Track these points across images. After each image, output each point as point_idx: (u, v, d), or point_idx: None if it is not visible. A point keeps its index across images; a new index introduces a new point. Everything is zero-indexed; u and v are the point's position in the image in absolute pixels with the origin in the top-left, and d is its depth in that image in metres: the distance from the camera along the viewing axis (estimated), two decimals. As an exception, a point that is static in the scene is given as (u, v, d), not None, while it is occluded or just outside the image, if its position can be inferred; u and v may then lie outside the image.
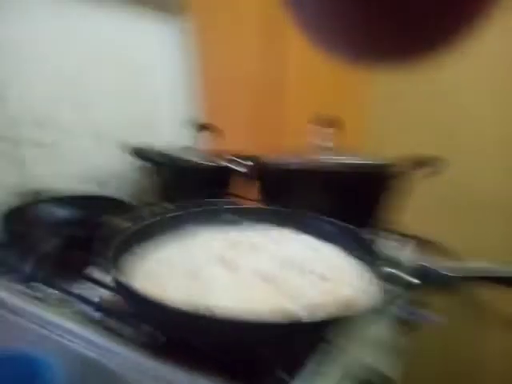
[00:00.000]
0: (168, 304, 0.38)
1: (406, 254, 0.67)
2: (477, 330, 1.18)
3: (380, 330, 0.63)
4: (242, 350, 0.42)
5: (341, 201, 0.71)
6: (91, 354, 0.48)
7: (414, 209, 0.85)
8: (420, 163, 0.75)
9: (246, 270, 0.50)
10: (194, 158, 0.86)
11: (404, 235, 0.76)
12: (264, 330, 0.38)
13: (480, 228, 1.12)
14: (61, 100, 0.85)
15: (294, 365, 0.41)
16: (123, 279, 0.43)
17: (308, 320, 0.36)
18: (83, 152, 0.89)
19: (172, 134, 1.05)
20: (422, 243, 0.69)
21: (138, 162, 0.89)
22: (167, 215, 0.62)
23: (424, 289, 0.48)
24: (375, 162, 0.72)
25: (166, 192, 0.91)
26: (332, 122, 0.78)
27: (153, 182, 0.93)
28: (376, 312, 0.42)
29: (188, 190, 0.86)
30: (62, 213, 0.73)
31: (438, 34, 0.17)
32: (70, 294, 0.55)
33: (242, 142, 0.86)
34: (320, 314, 0.37)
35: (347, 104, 1.08)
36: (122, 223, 0.55)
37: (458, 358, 1.24)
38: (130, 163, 0.91)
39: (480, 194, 1.13)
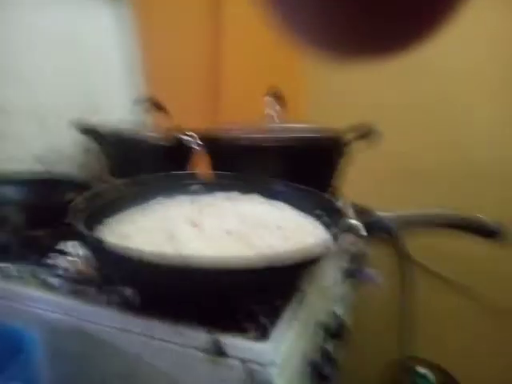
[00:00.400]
0: (142, 255, 0.40)
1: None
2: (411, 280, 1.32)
3: (335, 283, 0.72)
4: (217, 297, 0.46)
5: (288, 171, 0.77)
6: (66, 320, 0.50)
7: (354, 178, 0.93)
8: (358, 133, 0.82)
9: (213, 228, 0.54)
10: (143, 135, 0.87)
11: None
12: (235, 275, 0.41)
13: (416, 197, 1.20)
14: (5, 80, 0.82)
15: (273, 312, 0.47)
16: (95, 235, 0.45)
17: (278, 263, 0.41)
18: (29, 132, 0.86)
19: (121, 112, 1.05)
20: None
21: (86, 141, 0.88)
22: (131, 187, 0.63)
23: (371, 239, 0.55)
24: (317, 133, 0.79)
25: (115, 170, 0.91)
26: (276, 95, 0.84)
27: (102, 160, 0.93)
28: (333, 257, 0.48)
29: (138, 167, 0.87)
30: (14, 194, 0.72)
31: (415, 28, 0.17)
32: (39, 265, 0.56)
33: (189, 119, 0.88)
34: (286, 259, 0.42)
35: (288, 77, 1.13)
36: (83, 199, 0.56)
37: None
38: (78, 142, 0.89)
39: (415, 163, 1.25)
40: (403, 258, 1.33)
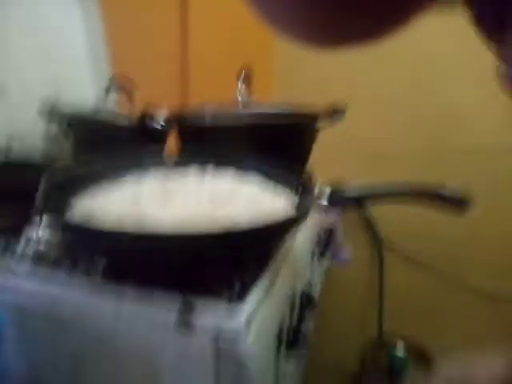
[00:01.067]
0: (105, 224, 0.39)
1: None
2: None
3: (307, 255, 0.73)
4: (186, 264, 0.46)
5: (259, 152, 0.77)
6: (35, 302, 0.49)
7: (324, 163, 0.94)
8: (324, 112, 0.84)
9: (182, 205, 0.54)
10: (109, 117, 0.85)
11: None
12: (194, 239, 0.41)
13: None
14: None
15: (246, 278, 0.48)
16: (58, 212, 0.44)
17: (246, 227, 0.42)
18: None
19: (85, 96, 1.02)
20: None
21: (48, 123, 0.86)
22: (98, 166, 0.62)
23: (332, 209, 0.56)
24: (285, 112, 0.80)
25: (78, 154, 0.89)
26: (247, 75, 0.84)
27: (63, 143, 0.91)
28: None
29: (104, 151, 0.85)
30: None
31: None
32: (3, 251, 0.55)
33: (158, 101, 0.87)
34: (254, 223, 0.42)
35: (258, 57, 1.13)
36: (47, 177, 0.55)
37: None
38: (39, 124, 0.87)
39: (387, 148, 1.26)
40: (378, 241, 1.37)
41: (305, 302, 0.60)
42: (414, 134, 1.26)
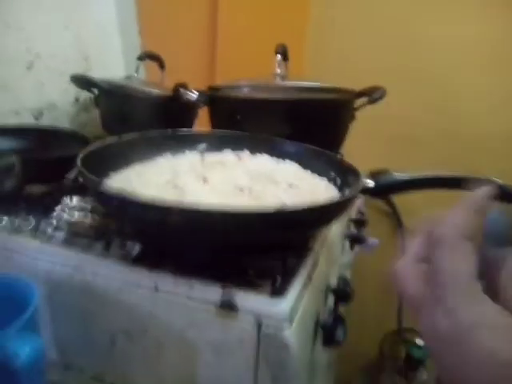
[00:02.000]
0: (147, 199, 0.37)
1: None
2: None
3: (342, 248, 0.70)
4: (228, 249, 0.44)
5: (295, 132, 0.74)
6: (71, 274, 0.48)
7: (354, 140, 0.91)
8: (361, 92, 0.80)
9: (223, 184, 0.52)
10: (144, 90, 0.83)
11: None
12: (245, 220, 0.38)
13: (412, 165, 1.21)
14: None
15: (287, 270, 0.45)
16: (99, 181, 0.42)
17: (290, 208, 0.39)
18: (16, 82, 0.81)
19: (116, 68, 0.99)
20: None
21: (79, 92, 0.84)
22: (138, 143, 0.60)
23: (377, 192, 0.53)
24: (323, 88, 0.76)
25: (110, 124, 0.87)
26: (284, 53, 0.79)
27: (95, 113, 0.89)
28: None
29: (137, 124, 0.83)
30: (15, 146, 0.68)
31: None
32: (43, 219, 0.53)
33: (186, 77, 0.83)
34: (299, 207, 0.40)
35: (289, 36, 1.09)
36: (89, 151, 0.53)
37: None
38: (70, 93, 0.85)
39: (414, 129, 1.21)
40: (400, 228, 1.33)
41: (345, 293, 0.58)
42: (441, 117, 1.20)
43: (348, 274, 0.79)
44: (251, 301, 0.41)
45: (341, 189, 0.56)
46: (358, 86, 0.79)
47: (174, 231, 0.40)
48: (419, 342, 1.32)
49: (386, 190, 0.54)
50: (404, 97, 1.18)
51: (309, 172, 0.61)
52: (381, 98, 0.78)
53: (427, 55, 1.15)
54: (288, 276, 0.45)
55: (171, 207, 0.36)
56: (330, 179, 0.59)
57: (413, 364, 1.32)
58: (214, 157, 0.61)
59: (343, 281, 0.62)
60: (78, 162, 0.47)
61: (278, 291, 0.43)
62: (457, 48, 1.12)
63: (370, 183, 0.52)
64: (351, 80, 0.78)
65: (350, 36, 1.15)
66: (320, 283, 0.53)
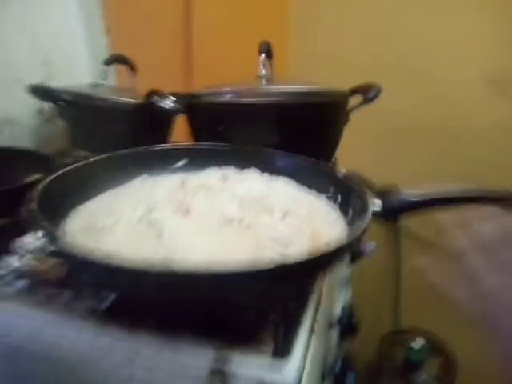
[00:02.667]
0: (123, 263, 0.29)
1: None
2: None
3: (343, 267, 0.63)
4: (220, 307, 0.37)
5: (285, 139, 0.66)
6: (31, 337, 0.40)
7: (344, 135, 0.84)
8: (364, 94, 0.72)
9: (208, 216, 0.44)
10: (113, 98, 0.73)
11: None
12: (247, 278, 0.31)
13: (406, 159, 1.14)
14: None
15: (289, 320, 0.38)
16: (58, 242, 0.34)
17: (292, 261, 0.31)
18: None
19: (83, 75, 0.89)
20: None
21: (46, 108, 0.74)
22: (106, 164, 0.52)
23: (386, 215, 0.46)
24: (315, 91, 0.68)
25: (77, 138, 0.78)
26: (268, 52, 0.71)
27: (59, 127, 0.79)
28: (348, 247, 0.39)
29: (103, 134, 0.74)
30: None
31: None
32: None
33: (159, 82, 0.74)
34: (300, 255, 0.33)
35: (268, 32, 1.01)
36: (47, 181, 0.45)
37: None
38: (36, 110, 0.75)
39: (407, 122, 1.16)
40: (396, 230, 1.29)
41: (347, 332, 0.51)
42: (436, 108, 1.15)
43: (348, 291, 0.73)
44: (251, 365, 0.34)
45: (343, 208, 0.49)
46: (346, 83, 0.72)
47: (153, 294, 0.33)
48: (417, 344, 1.28)
49: (395, 211, 0.47)
50: (394, 91, 1.12)
51: (305, 189, 0.53)
52: (376, 96, 0.71)
53: (416, 48, 1.09)
54: (290, 326, 0.38)
55: (143, 271, 0.29)
56: (329, 197, 0.52)
57: (412, 367, 1.29)
58: (196, 179, 0.53)
59: (348, 311, 0.55)
60: (31, 200, 0.38)
61: (281, 350, 0.35)
62: (447, 39, 1.07)
63: (377, 205, 0.45)
64: (339, 77, 0.71)
65: (336, 31, 1.08)
66: (324, 322, 0.46)
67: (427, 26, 1.05)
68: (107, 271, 0.30)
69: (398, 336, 1.35)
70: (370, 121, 1.12)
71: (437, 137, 1.15)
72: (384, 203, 0.45)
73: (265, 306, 0.38)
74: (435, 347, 1.30)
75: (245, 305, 0.36)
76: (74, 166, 0.50)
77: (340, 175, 0.50)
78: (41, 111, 0.79)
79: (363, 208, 0.43)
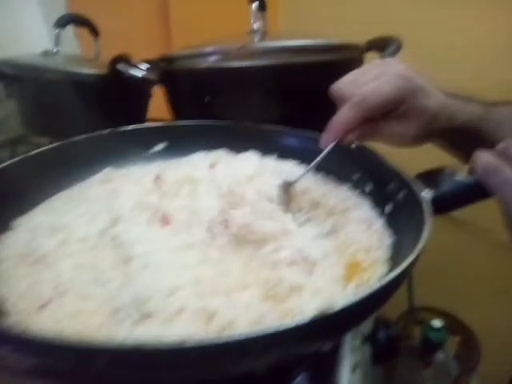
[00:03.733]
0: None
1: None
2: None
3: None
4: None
5: (281, 107, 0.53)
6: None
7: None
8: (370, 45, 0.59)
9: (184, 220, 0.31)
10: (72, 69, 0.58)
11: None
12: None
13: None
14: None
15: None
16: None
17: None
18: None
19: (36, 37, 0.73)
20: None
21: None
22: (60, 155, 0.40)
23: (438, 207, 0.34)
24: (324, 46, 0.54)
25: (30, 121, 0.64)
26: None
27: (10, 109, 0.65)
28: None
29: (60, 114, 0.60)
30: None
31: None
32: None
33: (130, 46, 0.59)
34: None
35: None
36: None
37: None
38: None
39: None
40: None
41: (384, 351, 0.40)
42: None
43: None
44: None
45: (375, 199, 0.37)
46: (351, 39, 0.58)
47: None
48: (436, 323, 1.19)
49: (450, 202, 0.34)
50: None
51: (322, 178, 0.41)
52: (396, 51, 0.57)
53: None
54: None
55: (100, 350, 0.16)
56: (355, 185, 0.39)
57: (430, 347, 1.20)
58: (177, 170, 0.39)
59: (382, 325, 0.44)
60: None
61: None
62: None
63: (427, 194, 0.33)
64: (340, 32, 0.57)
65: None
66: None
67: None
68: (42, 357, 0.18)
69: (413, 314, 1.27)
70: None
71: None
72: (435, 191, 0.33)
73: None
74: (453, 326, 1.21)
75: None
76: (11, 161, 0.37)
77: (372, 156, 0.37)
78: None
79: (413, 200, 0.31)
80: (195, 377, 0.20)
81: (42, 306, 0.26)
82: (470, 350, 1.23)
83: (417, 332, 1.25)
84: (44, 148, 0.40)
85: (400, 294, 1.24)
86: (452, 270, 1.19)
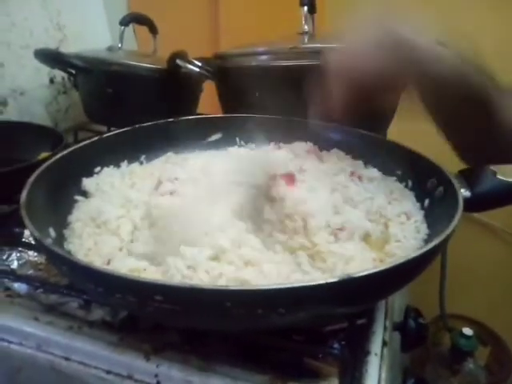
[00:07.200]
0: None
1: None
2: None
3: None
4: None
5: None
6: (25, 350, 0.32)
7: None
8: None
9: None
10: (133, 64, 0.63)
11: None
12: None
13: None
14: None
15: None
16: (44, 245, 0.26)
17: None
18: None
19: (101, 34, 0.79)
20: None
21: (54, 70, 0.66)
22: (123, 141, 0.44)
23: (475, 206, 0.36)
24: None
25: (93, 110, 0.69)
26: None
27: (74, 99, 0.71)
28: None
29: (121, 105, 0.65)
30: None
31: None
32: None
33: (184, 45, 0.64)
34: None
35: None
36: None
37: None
38: (42, 73, 0.67)
39: None
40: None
41: (414, 339, 0.42)
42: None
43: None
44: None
45: (417, 193, 0.39)
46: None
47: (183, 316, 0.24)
48: (467, 331, 1.18)
49: (489, 200, 0.36)
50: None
51: (370, 170, 0.43)
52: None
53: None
54: (356, 358, 0.29)
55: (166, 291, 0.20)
56: (398, 179, 0.42)
57: (460, 355, 1.19)
58: (231, 157, 0.43)
59: (412, 314, 0.45)
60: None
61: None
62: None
63: (465, 193, 0.34)
64: None
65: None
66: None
67: None
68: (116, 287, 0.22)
69: (443, 321, 1.25)
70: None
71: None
72: (474, 189, 0.35)
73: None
74: (485, 336, 1.20)
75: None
76: (83, 143, 0.42)
77: (414, 152, 0.40)
78: (52, 80, 0.71)
79: (450, 195, 0.33)
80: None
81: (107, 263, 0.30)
82: (501, 361, 1.21)
83: (447, 339, 1.24)
84: (117, 131, 0.45)
85: (431, 301, 1.23)
86: (487, 279, 1.17)
